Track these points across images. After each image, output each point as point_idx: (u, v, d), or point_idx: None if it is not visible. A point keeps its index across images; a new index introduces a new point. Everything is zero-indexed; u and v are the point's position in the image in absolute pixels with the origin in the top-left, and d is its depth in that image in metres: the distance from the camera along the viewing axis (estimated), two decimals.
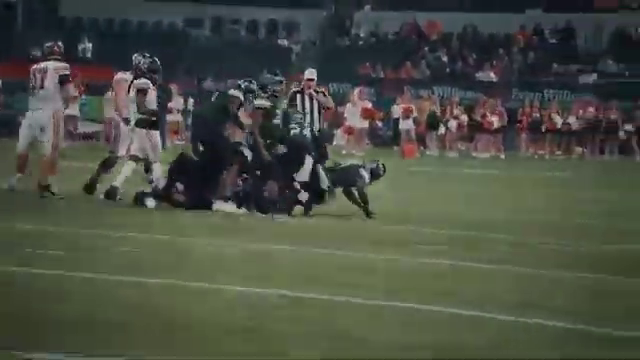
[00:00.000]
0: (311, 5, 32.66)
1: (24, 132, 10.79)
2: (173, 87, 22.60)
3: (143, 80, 10.63)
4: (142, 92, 10.60)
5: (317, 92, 11.00)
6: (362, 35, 32.08)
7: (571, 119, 26.05)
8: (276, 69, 11.21)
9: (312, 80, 10.98)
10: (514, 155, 25.53)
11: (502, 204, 12.72)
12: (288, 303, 5.67)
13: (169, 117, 22.15)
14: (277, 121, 10.41)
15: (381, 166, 10.29)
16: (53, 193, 10.48)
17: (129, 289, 5.90)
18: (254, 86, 10.57)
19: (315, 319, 5.25)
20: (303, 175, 10.21)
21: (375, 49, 31.06)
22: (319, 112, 10.93)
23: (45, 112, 10.59)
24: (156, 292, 5.86)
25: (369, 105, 25.04)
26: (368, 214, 10.15)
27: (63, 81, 10.57)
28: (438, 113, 25.50)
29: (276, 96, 10.52)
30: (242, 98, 10.48)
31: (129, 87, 10.73)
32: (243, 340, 4.74)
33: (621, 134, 25.74)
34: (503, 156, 25.03)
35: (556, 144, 26.17)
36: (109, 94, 23.09)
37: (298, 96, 10.89)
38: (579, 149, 26.16)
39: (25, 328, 4.83)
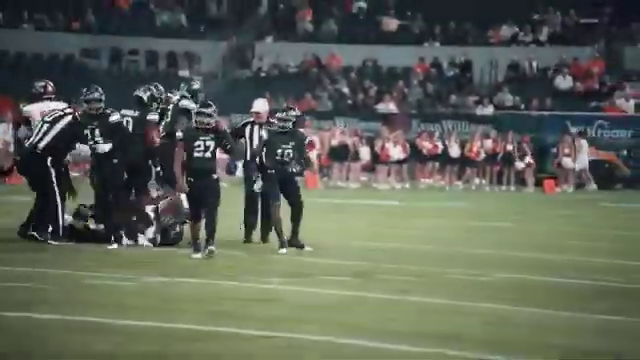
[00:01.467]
0: (212, 37, 32.57)
1: None
2: None
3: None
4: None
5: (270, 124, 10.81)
6: (263, 67, 32.16)
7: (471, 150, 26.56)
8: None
9: (258, 113, 10.96)
10: (415, 185, 25.88)
11: (403, 234, 12.80)
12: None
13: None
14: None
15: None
16: None
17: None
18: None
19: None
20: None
21: (276, 80, 31.15)
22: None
23: None
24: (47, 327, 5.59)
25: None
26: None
27: None
28: (345, 144, 25.68)
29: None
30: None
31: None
32: None
33: (518, 165, 26.37)
34: (407, 185, 25.35)
35: (455, 174, 26.63)
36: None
37: (247, 128, 10.87)
38: (477, 180, 26.67)
39: None
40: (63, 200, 9.89)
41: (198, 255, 9.46)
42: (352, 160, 25.73)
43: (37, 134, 9.95)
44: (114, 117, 10.23)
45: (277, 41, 32.73)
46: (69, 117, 10.11)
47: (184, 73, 31.62)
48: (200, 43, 32.20)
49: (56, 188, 9.80)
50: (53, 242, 9.78)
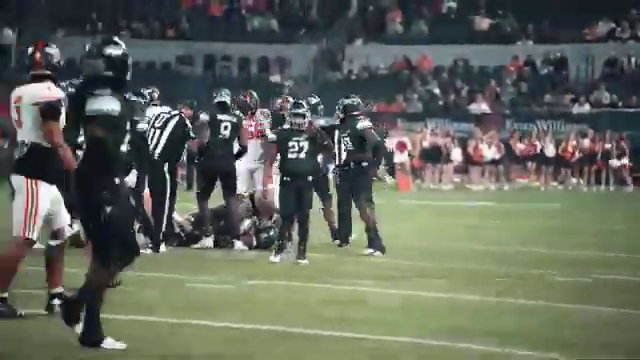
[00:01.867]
0: (302, 40, 32.78)
1: None
2: None
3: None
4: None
5: None
6: (354, 69, 32.21)
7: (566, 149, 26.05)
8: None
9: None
10: (510, 186, 25.51)
11: (497, 236, 12.61)
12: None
13: None
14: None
15: None
16: None
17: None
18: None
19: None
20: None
21: (367, 83, 31.15)
22: None
23: None
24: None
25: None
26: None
27: None
28: (437, 145, 25.53)
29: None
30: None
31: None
32: None
33: (614, 163, 25.74)
34: (505, 187, 25.04)
35: (551, 175, 26.16)
36: None
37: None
38: (574, 180, 26.14)
39: None
40: (171, 206, 10.04)
41: (277, 259, 9.25)
42: (444, 162, 25.54)
43: (151, 141, 10.09)
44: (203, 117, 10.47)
45: (367, 43, 32.73)
46: (176, 118, 10.27)
47: (275, 78, 31.94)
48: (291, 47, 32.45)
49: (168, 194, 9.93)
50: (160, 250, 9.90)
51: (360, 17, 33.76)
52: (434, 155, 25.49)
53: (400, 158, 24.64)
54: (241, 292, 7.51)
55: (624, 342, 5.74)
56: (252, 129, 10.83)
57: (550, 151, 25.95)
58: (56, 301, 6.08)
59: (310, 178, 9.45)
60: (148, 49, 32.01)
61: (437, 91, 30.74)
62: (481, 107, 29.72)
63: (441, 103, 30.43)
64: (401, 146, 24.57)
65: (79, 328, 5.25)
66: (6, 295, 6.13)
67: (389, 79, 31.41)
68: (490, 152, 25.50)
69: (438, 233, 12.86)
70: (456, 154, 25.67)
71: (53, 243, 6.22)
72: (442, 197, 21.67)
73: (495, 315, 6.65)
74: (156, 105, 10.81)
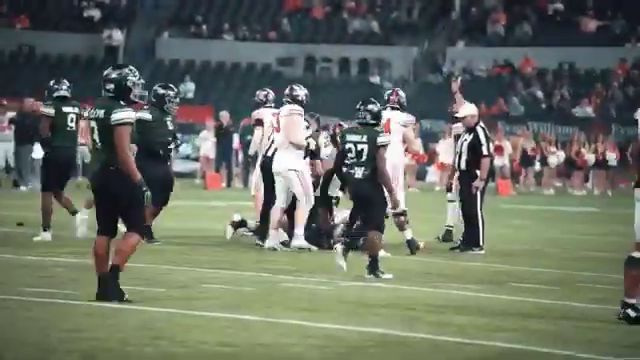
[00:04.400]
0: (403, 42, 32.68)
1: None
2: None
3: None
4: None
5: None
6: (455, 71, 31.95)
7: None
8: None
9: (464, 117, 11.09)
10: (616, 191, 24.86)
11: (599, 242, 12.31)
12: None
13: None
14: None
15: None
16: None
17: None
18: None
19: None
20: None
21: (468, 85, 30.83)
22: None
23: None
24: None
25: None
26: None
27: None
28: (532, 149, 25.11)
29: None
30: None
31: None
32: None
33: None
34: (609, 192, 24.45)
35: None
36: (204, 132, 23.59)
37: None
38: None
39: None
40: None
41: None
42: (545, 166, 25.09)
43: (269, 144, 10.24)
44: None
45: (469, 45, 32.41)
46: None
47: (375, 79, 31.94)
48: (391, 49, 32.39)
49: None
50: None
51: (462, 19, 33.45)
52: (534, 159, 25.05)
53: (500, 162, 24.32)
54: (338, 292, 7.52)
55: None
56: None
57: None
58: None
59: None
60: (249, 51, 32.47)
61: (540, 94, 30.19)
62: (586, 111, 29.05)
63: (544, 106, 29.88)
64: (499, 150, 24.26)
65: None
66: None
67: (490, 81, 31.02)
68: (593, 157, 24.91)
69: (535, 238, 12.61)
70: (558, 158, 25.17)
71: None
72: (542, 201, 21.26)
73: (599, 322, 6.47)
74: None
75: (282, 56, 32.57)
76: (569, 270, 9.18)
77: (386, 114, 9.52)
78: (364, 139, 8.26)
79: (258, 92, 10.96)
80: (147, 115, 10.03)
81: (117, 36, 32.17)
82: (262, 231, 10.15)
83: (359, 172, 8.23)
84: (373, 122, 8.33)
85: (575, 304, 7.17)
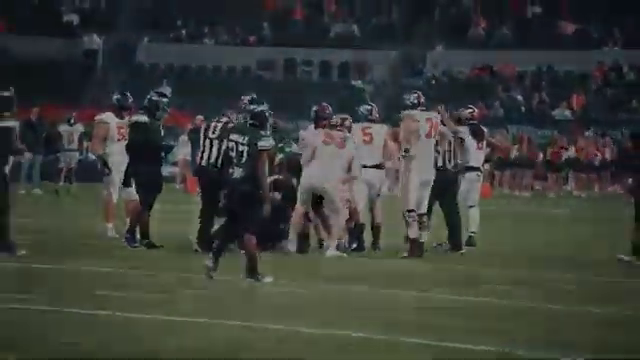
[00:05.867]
0: (383, 46, 32.82)
1: None
2: None
3: None
4: None
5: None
6: (435, 74, 32.10)
7: None
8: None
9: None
10: (590, 194, 25.08)
11: (569, 244, 12.39)
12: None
13: None
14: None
15: None
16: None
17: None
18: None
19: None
20: None
21: (447, 88, 31.00)
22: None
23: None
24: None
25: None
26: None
27: None
28: (512, 152, 25.29)
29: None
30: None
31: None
32: None
33: None
34: (583, 195, 24.64)
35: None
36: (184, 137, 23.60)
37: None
38: None
39: None
40: None
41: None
42: (523, 167, 25.27)
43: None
44: None
45: (449, 49, 32.58)
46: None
47: (356, 82, 32.03)
48: (372, 53, 32.51)
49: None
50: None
51: (442, 23, 33.62)
52: (513, 161, 25.22)
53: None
54: (320, 296, 7.53)
55: None
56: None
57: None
58: None
59: None
60: (230, 54, 32.50)
61: (519, 97, 30.39)
62: (564, 113, 29.27)
63: (523, 109, 30.08)
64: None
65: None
66: None
67: (470, 84, 31.20)
68: (570, 159, 25.17)
69: (512, 240, 12.72)
70: (536, 160, 25.39)
71: None
72: (520, 203, 21.41)
73: (558, 323, 6.56)
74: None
75: (262, 60, 32.63)
76: (540, 271, 9.27)
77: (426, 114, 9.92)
78: (245, 140, 8.07)
79: (243, 97, 10.94)
80: (144, 118, 10.13)
81: (95, 40, 32.10)
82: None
83: (237, 172, 8.07)
84: (255, 124, 8.09)
85: (544, 305, 7.23)
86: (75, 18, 32.67)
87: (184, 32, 33.30)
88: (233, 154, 8.11)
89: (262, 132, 8.11)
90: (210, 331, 5.88)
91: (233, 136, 8.19)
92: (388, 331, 5.99)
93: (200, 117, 23.30)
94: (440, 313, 6.82)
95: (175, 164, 25.03)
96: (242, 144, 8.07)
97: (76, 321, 6.11)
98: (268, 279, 8.03)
